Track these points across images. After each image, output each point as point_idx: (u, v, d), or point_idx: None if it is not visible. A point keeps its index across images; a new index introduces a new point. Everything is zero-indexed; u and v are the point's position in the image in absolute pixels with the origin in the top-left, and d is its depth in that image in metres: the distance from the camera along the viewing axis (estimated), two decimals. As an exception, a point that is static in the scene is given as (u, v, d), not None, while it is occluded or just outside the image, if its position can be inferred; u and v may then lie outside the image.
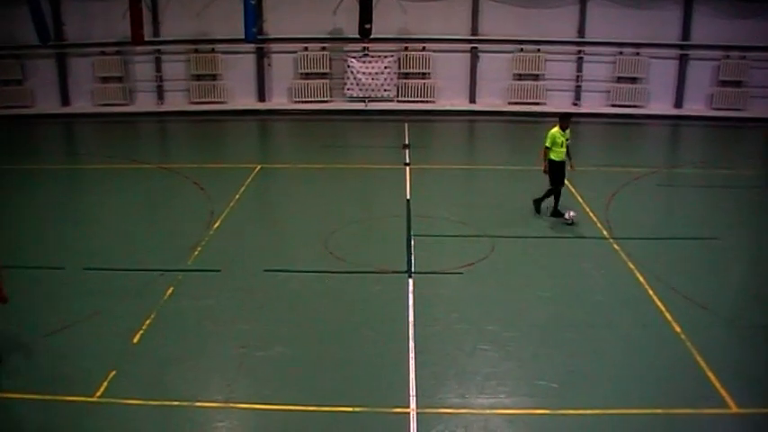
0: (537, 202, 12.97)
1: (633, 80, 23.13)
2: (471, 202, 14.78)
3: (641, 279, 10.44)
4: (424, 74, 23.51)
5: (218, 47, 23.47)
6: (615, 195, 14.46)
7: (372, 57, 23.13)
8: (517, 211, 13.81)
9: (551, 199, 12.77)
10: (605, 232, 12.41)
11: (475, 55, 23.37)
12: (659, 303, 9.63)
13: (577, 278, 10.50)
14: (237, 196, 14.44)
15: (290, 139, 21.88)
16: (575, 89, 23.53)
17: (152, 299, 9.71)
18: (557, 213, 12.72)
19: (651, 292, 9.96)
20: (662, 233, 12.34)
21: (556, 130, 12.57)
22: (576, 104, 23.55)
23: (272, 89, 23.96)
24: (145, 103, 23.78)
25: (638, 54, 22.92)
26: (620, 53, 22.97)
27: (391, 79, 23.23)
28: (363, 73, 23.09)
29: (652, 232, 12.37)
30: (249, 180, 15.47)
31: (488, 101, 23.40)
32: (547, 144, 12.58)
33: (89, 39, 23.02)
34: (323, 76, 23.64)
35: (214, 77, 23.78)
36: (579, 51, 23.23)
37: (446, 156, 18.39)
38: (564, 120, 12.74)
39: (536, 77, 23.40)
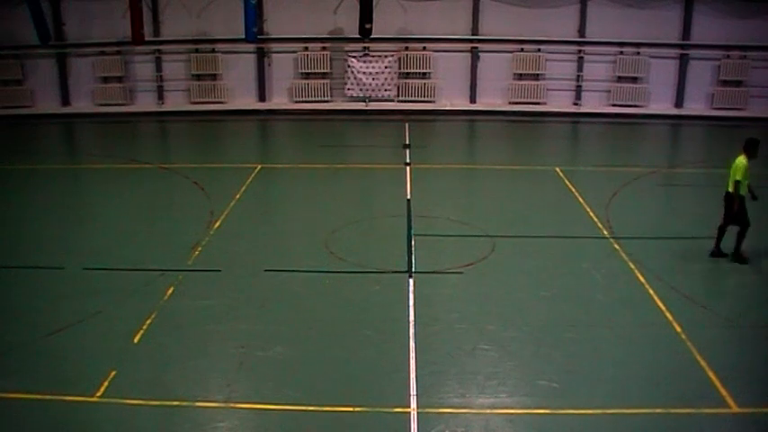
0: (738, 254, 11.03)
1: (634, 80, 23.08)
2: (472, 201, 14.80)
3: (641, 278, 10.42)
4: (424, 74, 23.50)
5: (219, 47, 23.43)
6: (615, 195, 14.41)
7: (373, 56, 23.13)
8: (518, 210, 13.81)
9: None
10: (605, 231, 12.40)
11: (475, 55, 23.38)
12: (659, 303, 9.61)
13: (578, 278, 10.49)
14: (238, 196, 14.41)
15: (290, 138, 21.77)
16: (575, 89, 23.48)
17: (152, 299, 9.69)
18: (739, 257, 10.99)
19: (651, 292, 9.94)
20: (662, 232, 12.30)
21: (744, 159, 10.77)
22: (576, 104, 23.52)
23: (272, 89, 23.95)
24: (145, 103, 23.75)
25: (638, 53, 22.87)
26: (621, 53, 22.93)
27: (392, 79, 23.23)
28: (364, 73, 23.08)
29: (652, 231, 12.33)
30: (249, 180, 15.46)
31: (489, 100, 23.37)
32: (738, 177, 10.73)
33: (89, 38, 23.00)
34: (323, 75, 23.63)
35: (214, 77, 23.75)
36: (580, 51, 23.18)
37: (447, 155, 18.35)
38: (752, 148, 10.82)
39: (536, 77, 23.34)
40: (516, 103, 23.43)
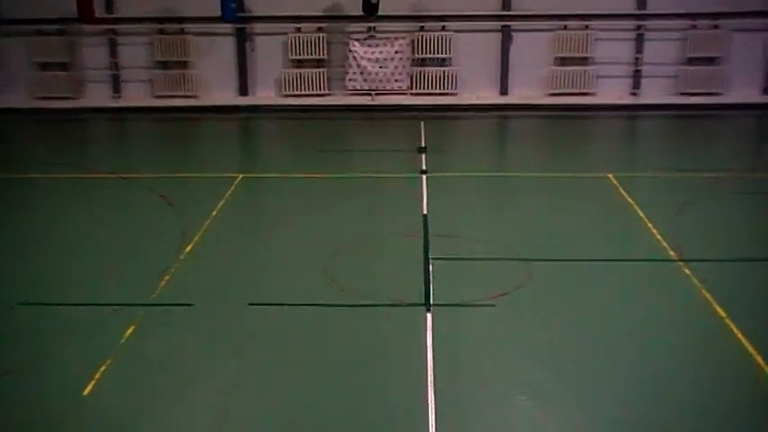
0: None
1: (709, 61, 22.95)
2: (503, 217, 14.83)
3: (720, 313, 10.32)
4: (443, 60, 23.74)
5: (189, 27, 23.75)
6: (685, 206, 14.49)
7: (380, 39, 23.48)
8: (561, 228, 13.82)
9: None
10: (672, 253, 12.38)
11: (507, 35, 23.55)
12: (746, 345, 9.46)
13: (638, 312, 10.45)
14: (215, 213, 14.52)
15: (279, 141, 22.02)
16: (633, 75, 23.56)
17: (108, 340, 9.66)
18: None
19: (735, 331, 9.80)
20: (745, 253, 12.23)
21: None
22: (634, 94, 23.59)
23: (255, 80, 24.23)
24: (97, 96, 23.98)
25: (715, 27, 22.66)
26: (693, 27, 22.82)
27: (403, 67, 23.60)
28: (369, 60, 23.45)
29: (732, 253, 12.27)
30: (229, 193, 15.65)
31: (523, 92, 23.68)
32: None
33: (22, 14, 22.99)
34: (319, 63, 23.90)
35: (184, 66, 23.99)
36: (639, 27, 23.22)
37: (471, 161, 18.55)
38: None
39: (583, 61, 23.52)
40: (558, 95, 23.67)
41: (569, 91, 23.51)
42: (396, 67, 23.45)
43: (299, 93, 23.91)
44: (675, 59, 23.10)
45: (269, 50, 23.73)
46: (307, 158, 18.76)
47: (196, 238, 13.28)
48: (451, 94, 23.68)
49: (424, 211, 14.40)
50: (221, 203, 15.01)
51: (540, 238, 13.25)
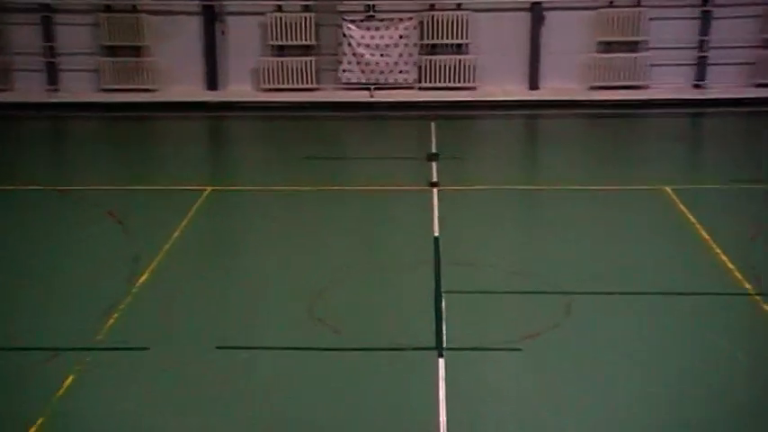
0: None
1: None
2: (534, 240, 14.81)
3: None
4: (458, 46, 23.90)
5: (143, 3, 23.64)
6: (762, 228, 14.48)
7: (381, 21, 23.73)
8: (605, 252, 13.80)
9: None
10: (748, 285, 12.29)
11: (537, 14, 23.53)
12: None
13: (706, 360, 10.34)
14: (176, 234, 14.48)
15: (256, 146, 21.92)
16: (696, 62, 23.50)
17: (41, 394, 9.53)
18: None
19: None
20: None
21: None
22: (698, 86, 23.54)
23: (227, 71, 24.38)
24: (29, 89, 24.10)
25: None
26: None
27: (409, 55, 23.83)
28: (368, 46, 23.80)
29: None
30: (194, 210, 15.63)
31: (558, 85, 23.93)
32: None
33: None
34: (305, 51, 24.06)
35: (138, 52, 23.99)
36: (705, 2, 23.19)
37: (494, 171, 18.49)
38: None
39: (634, 46, 23.52)
40: (601, 89, 23.66)
41: (615, 84, 23.62)
42: (400, 56, 23.56)
43: (280, 86, 23.95)
44: (750, 41, 23.00)
45: (244, 33, 23.86)
46: (290, 168, 18.69)
47: (152, 266, 13.21)
48: (469, 89, 23.82)
49: (435, 233, 14.40)
50: (184, 223, 14.96)
51: (580, 266, 13.21)
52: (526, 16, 23.37)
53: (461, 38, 23.63)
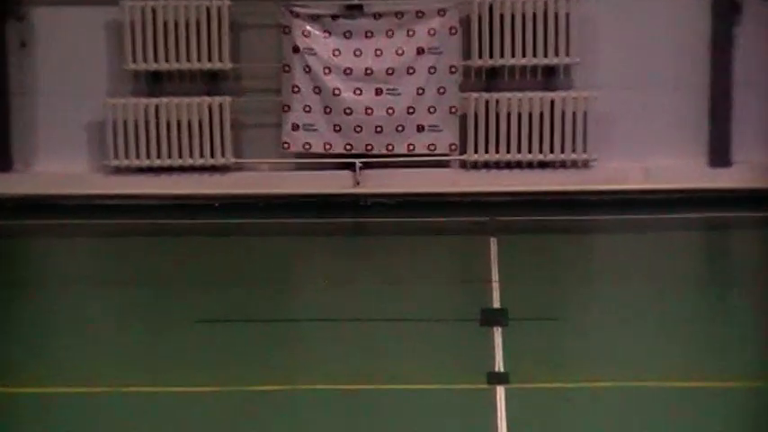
0: None
1: None
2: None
3: None
4: (551, 72, 17.23)
5: None
6: None
7: (378, 16, 16.98)
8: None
9: None
10: None
11: (726, 14, 18.05)
12: None
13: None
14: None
15: (94, 294, 14.89)
16: None
17: None
18: None
19: None
20: None
21: None
22: None
23: (36, 131, 17.69)
24: None
25: None
26: None
27: (440, 91, 16.81)
28: (347, 72, 17.07)
29: None
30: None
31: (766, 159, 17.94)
32: None
33: None
34: (210, 83, 17.58)
35: None
36: None
37: (625, 348, 11.74)
38: None
39: None
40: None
41: None
42: (420, 93, 16.39)
43: (152, 164, 17.29)
44: None
45: (70, 47, 16.99)
46: (170, 342, 11.86)
47: None
48: (576, 166, 17.06)
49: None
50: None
51: None
52: (705, 18, 16.37)
53: (559, 54, 16.38)
